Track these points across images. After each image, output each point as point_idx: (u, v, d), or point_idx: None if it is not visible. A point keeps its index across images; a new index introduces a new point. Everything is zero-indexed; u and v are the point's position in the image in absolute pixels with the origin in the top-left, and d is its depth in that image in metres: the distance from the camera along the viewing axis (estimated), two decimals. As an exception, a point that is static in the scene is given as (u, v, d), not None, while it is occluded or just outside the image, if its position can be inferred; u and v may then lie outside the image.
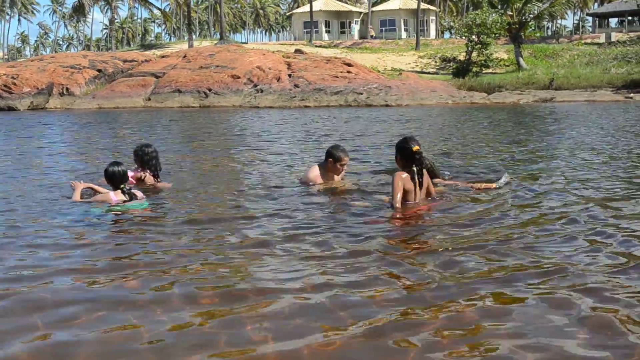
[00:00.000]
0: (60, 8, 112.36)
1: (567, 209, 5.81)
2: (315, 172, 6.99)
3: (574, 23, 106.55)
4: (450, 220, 5.44)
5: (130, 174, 6.88)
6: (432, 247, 4.65)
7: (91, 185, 6.56)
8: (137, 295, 3.71)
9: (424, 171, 5.86)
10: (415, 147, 5.67)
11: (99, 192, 6.32)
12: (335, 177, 7.05)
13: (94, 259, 4.45)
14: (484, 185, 6.79)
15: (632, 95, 32.55)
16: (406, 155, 5.72)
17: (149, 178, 7.14)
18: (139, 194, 6.26)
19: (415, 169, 5.70)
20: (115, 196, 6.02)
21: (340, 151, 6.93)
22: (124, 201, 6.01)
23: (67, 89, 35.77)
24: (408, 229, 5.28)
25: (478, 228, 5.14)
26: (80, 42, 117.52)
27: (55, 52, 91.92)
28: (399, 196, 5.64)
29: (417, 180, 5.74)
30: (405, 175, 5.71)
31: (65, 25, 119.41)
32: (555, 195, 6.49)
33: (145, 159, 7.12)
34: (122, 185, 6.04)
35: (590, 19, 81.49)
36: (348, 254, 4.45)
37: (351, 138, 13.92)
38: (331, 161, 6.88)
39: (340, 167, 6.92)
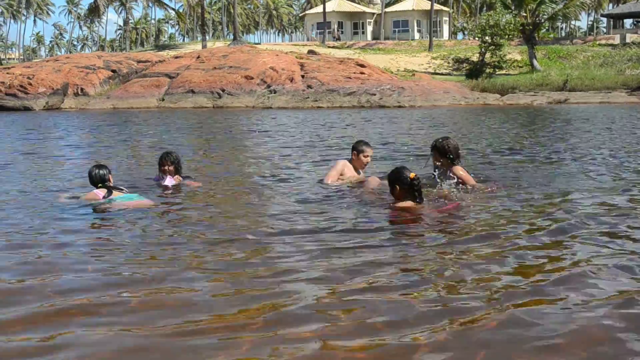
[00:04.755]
0: (75, 9, 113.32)
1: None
2: (343, 163, 7.40)
3: (588, 24, 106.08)
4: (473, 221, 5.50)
5: (172, 182, 7.18)
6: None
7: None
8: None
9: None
10: (412, 175, 5.82)
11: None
12: (361, 170, 7.45)
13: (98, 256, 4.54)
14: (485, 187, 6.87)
15: (646, 97, 32.38)
16: (406, 184, 5.83)
17: (179, 179, 7.41)
18: (123, 188, 6.49)
19: (415, 194, 5.83)
20: (101, 192, 6.29)
21: (363, 144, 7.43)
22: (119, 192, 6.26)
23: (82, 89, 36.11)
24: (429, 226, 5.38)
25: (500, 236, 5.12)
26: (95, 42, 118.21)
27: (70, 52, 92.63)
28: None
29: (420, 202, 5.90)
30: (408, 204, 5.81)
31: (80, 26, 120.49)
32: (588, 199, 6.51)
33: (173, 164, 7.37)
34: (99, 185, 6.33)
35: (604, 20, 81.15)
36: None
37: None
38: (355, 154, 7.37)
39: (364, 158, 7.37)
